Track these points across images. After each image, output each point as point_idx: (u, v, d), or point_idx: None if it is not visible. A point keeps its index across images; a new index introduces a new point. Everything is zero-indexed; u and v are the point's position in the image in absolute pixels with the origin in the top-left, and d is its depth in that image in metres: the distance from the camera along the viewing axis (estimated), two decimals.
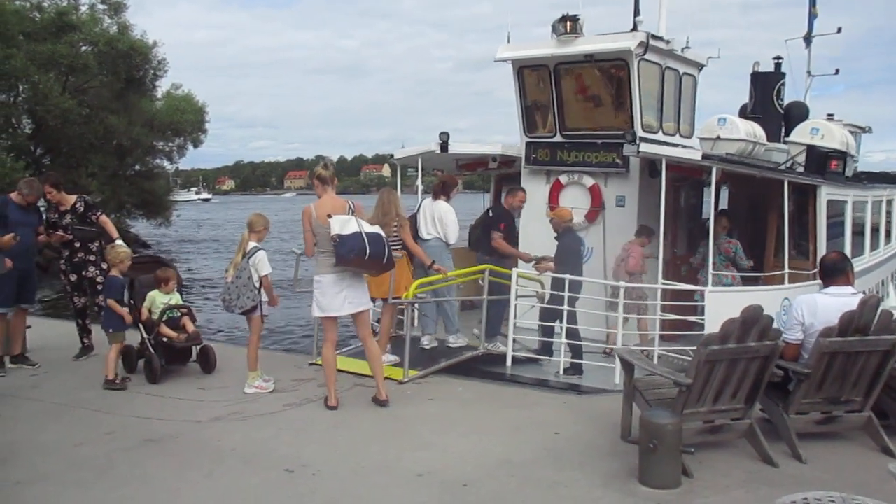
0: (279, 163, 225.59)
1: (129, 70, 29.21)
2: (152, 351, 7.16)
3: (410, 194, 10.92)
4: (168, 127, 34.33)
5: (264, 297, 6.77)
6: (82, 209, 7.83)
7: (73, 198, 7.89)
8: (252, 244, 6.79)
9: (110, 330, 7.04)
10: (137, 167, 34.17)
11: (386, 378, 6.96)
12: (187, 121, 35.16)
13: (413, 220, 8.55)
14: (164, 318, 7.28)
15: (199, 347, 7.54)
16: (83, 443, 5.45)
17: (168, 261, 8.72)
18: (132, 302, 7.31)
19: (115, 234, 7.85)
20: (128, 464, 5.07)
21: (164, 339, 7.20)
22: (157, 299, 7.37)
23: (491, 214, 9.20)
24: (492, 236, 8.66)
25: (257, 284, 6.66)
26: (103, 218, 7.96)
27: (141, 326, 7.26)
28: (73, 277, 7.83)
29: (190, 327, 7.42)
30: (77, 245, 7.76)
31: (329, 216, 6.07)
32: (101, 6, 29.75)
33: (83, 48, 28.11)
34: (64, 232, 7.68)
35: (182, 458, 5.20)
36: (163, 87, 34.72)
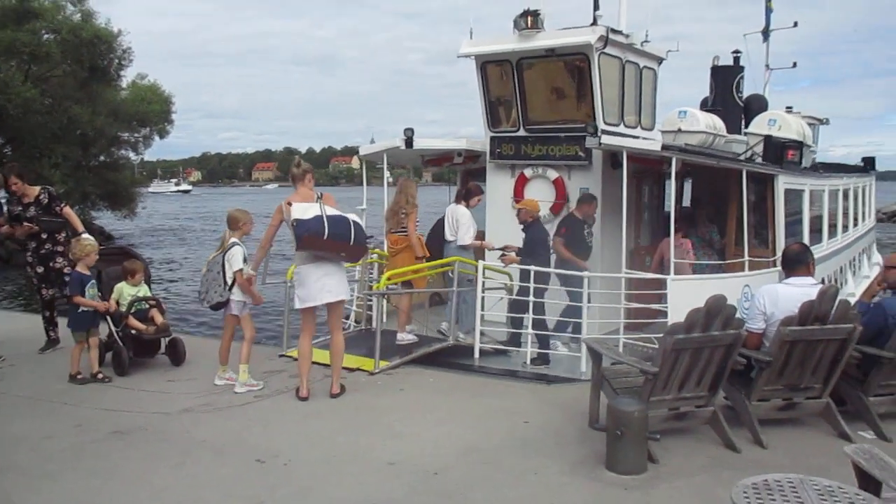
0: (247, 154, 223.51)
1: (93, 59, 28.63)
2: (120, 343, 7.09)
3: (378, 186, 10.92)
4: (133, 117, 33.74)
5: (235, 295, 6.62)
6: (46, 201, 7.72)
7: (36, 189, 7.77)
8: (233, 240, 6.66)
9: (70, 329, 6.92)
10: (102, 158, 33.59)
11: (356, 369, 7.02)
12: (153, 111, 34.60)
13: (441, 223, 9.44)
14: (132, 309, 7.21)
15: (167, 339, 7.48)
16: (51, 435, 5.40)
17: (136, 252, 8.62)
18: (100, 294, 7.22)
19: (79, 226, 7.77)
20: (96, 456, 5.04)
21: (133, 332, 7.13)
22: (125, 291, 7.30)
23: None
24: (553, 240, 8.58)
25: (230, 280, 6.58)
26: (67, 209, 7.87)
27: (108, 319, 7.18)
28: (41, 269, 7.72)
29: (158, 319, 7.37)
30: (44, 237, 7.66)
31: (290, 203, 6.07)
32: None
33: (46, 36, 27.51)
34: (29, 224, 7.56)
35: (151, 449, 5.18)
36: (128, 76, 34.18)
